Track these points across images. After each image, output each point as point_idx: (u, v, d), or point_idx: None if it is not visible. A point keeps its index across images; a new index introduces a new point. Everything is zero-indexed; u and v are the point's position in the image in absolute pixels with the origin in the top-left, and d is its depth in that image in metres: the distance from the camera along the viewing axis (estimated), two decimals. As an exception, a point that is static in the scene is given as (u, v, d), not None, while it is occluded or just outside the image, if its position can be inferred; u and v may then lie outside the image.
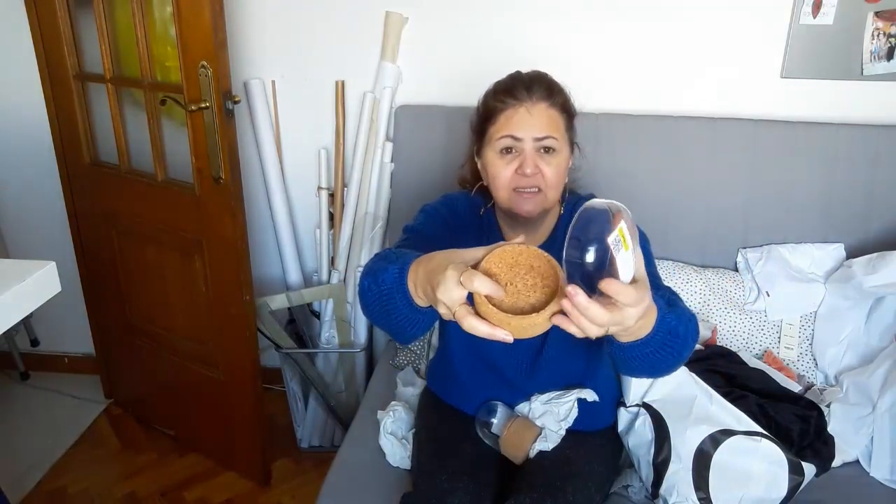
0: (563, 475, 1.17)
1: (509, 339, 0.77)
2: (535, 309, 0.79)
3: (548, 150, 1.14)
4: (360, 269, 1.94)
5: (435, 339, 1.72)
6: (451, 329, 1.34)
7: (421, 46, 1.85)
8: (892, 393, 1.41)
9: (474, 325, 0.77)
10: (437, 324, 1.61)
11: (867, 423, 1.42)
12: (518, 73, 1.20)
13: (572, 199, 1.28)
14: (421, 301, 0.90)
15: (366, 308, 1.03)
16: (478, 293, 0.77)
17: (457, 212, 1.28)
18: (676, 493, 1.25)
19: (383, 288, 0.95)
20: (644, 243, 1.20)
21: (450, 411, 1.37)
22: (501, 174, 1.15)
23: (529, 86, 1.14)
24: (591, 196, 1.30)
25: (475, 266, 0.80)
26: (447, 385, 1.41)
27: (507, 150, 1.15)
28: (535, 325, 0.77)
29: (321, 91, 1.94)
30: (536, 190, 1.14)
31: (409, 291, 0.90)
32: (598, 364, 1.32)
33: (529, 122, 1.13)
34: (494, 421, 1.29)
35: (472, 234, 1.27)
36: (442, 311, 0.82)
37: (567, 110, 1.18)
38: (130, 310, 2.06)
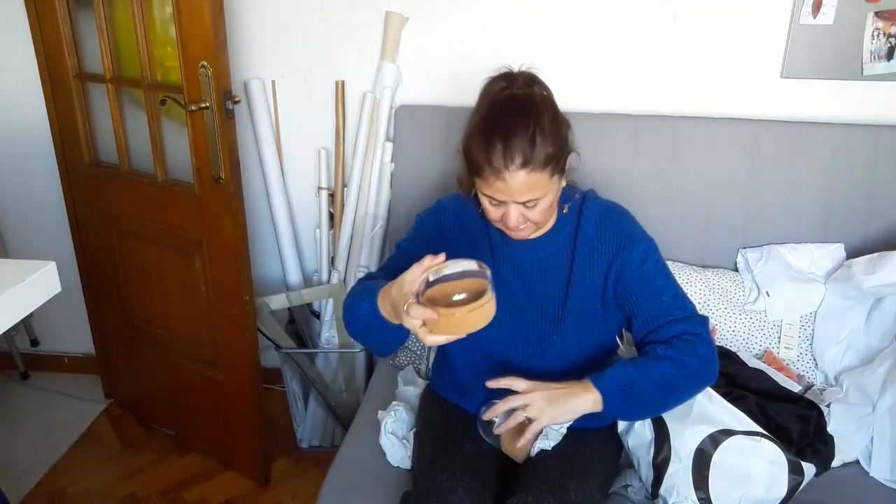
0: (564, 474, 1.17)
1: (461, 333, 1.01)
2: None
3: (532, 203, 1.14)
4: (361, 269, 1.95)
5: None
6: None
7: (421, 46, 1.85)
8: (892, 393, 1.41)
9: (436, 340, 1.02)
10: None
11: (867, 423, 1.42)
12: (506, 106, 1.14)
13: (570, 192, 1.28)
14: (395, 320, 1.08)
15: (350, 334, 1.25)
16: (427, 305, 0.99)
17: (448, 218, 1.31)
18: (676, 493, 1.25)
19: (361, 321, 1.17)
20: (651, 257, 1.24)
21: (451, 410, 1.37)
22: (491, 215, 1.19)
23: (507, 145, 1.09)
24: (591, 191, 1.32)
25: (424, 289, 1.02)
26: (449, 384, 1.41)
27: (493, 200, 1.16)
28: (474, 312, 0.99)
29: (321, 91, 1.94)
30: (524, 226, 1.18)
31: (383, 317, 1.11)
32: (603, 359, 1.33)
33: (508, 192, 1.12)
34: (496, 420, 1.28)
35: (469, 233, 1.29)
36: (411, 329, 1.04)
37: (551, 158, 1.11)
38: (130, 310, 2.06)
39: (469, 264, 1.02)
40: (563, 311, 1.27)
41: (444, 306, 0.99)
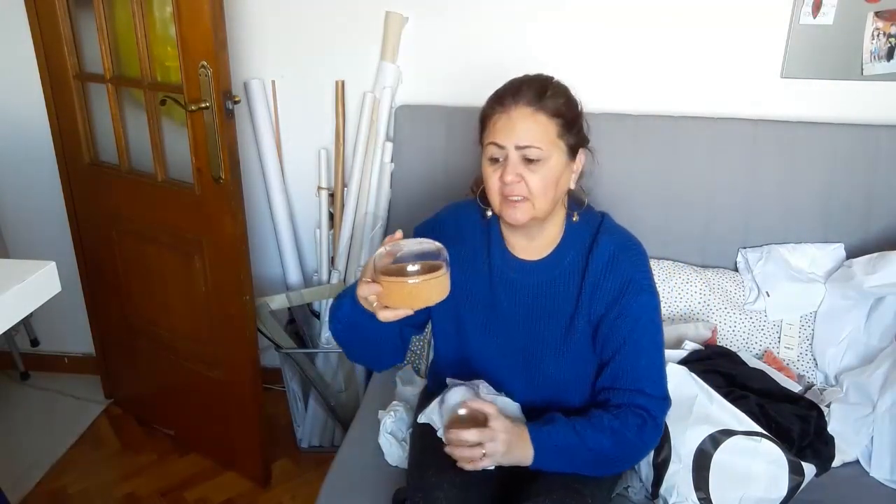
0: (579, 478, 1.16)
1: (409, 308, 0.99)
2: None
3: (532, 160, 1.10)
4: (361, 268, 1.95)
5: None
6: (438, 340, 1.35)
7: (421, 46, 1.85)
8: (892, 393, 1.41)
9: (387, 316, 1.00)
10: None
11: (867, 423, 1.42)
12: (522, 76, 1.16)
13: (586, 215, 1.23)
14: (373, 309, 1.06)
15: (346, 347, 1.26)
16: (381, 281, 0.98)
17: (448, 225, 1.27)
18: (676, 493, 1.25)
19: (346, 320, 1.15)
20: (648, 314, 1.18)
21: None
22: (490, 181, 1.14)
23: (518, 90, 1.11)
24: (607, 216, 1.25)
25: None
26: (442, 387, 1.40)
27: (495, 158, 1.13)
28: (426, 283, 0.96)
29: (321, 91, 1.94)
30: (521, 198, 1.11)
31: (366, 311, 1.05)
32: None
33: (511, 130, 1.09)
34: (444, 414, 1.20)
35: (475, 241, 1.25)
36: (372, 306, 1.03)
37: (561, 115, 1.11)
38: (130, 310, 2.06)
39: (426, 243, 1.01)
40: (563, 348, 1.21)
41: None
